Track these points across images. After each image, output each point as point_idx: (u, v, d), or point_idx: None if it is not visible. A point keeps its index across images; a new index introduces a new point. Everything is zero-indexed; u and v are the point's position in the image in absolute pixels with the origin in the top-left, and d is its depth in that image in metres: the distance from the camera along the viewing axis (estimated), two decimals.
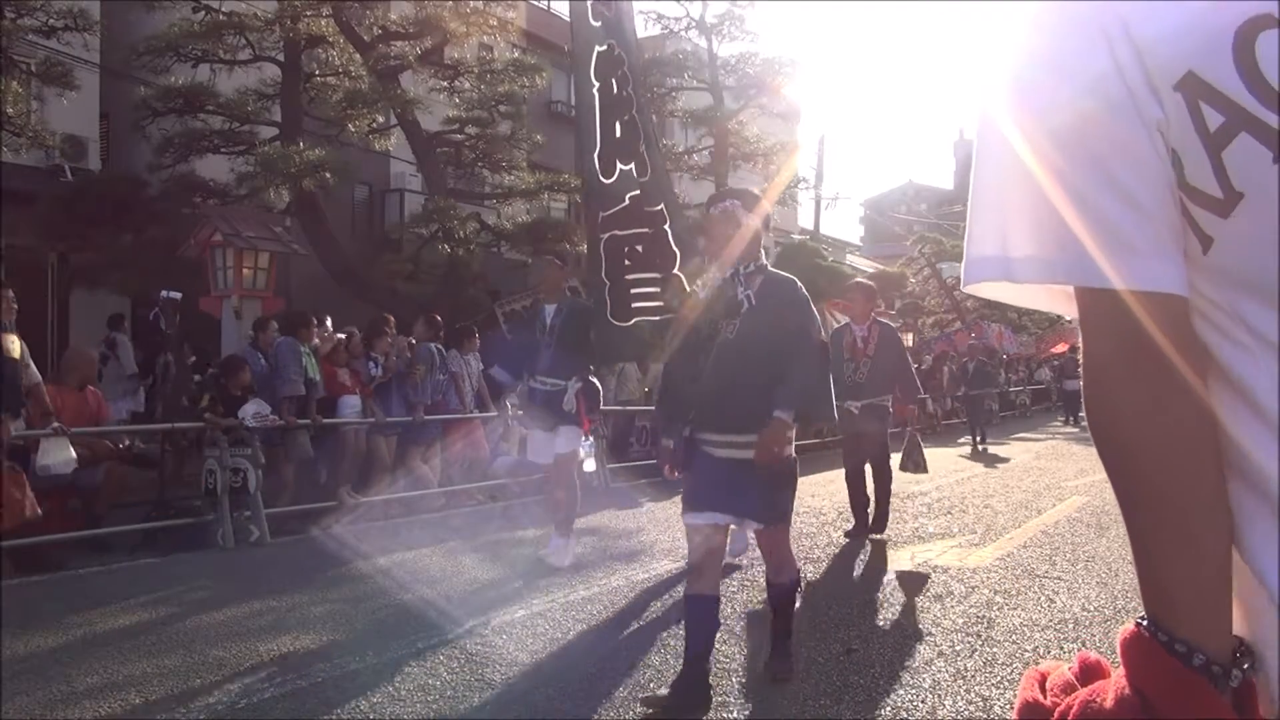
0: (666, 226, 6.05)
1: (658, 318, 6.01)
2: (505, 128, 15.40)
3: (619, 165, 6.11)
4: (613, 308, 6.07)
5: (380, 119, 14.53)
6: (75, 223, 11.88)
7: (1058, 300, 0.84)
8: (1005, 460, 13.62)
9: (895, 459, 7.81)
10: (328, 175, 12.08)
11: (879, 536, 7.12)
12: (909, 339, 26.54)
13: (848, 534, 7.24)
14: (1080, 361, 0.79)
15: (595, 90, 6.25)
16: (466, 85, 15.12)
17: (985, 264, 0.81)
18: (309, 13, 12.70)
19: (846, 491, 7.44)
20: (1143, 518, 0.74)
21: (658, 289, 6.02)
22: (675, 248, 5.97)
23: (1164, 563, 0.73)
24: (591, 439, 6.86)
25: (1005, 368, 26.35)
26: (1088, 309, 0.77)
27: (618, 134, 6.18)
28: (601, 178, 6.10)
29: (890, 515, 8.51)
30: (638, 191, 6.09)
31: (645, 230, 6.06)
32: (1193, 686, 0.69)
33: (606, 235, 6.12)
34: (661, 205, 6.08)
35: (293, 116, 13.31)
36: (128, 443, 7.71)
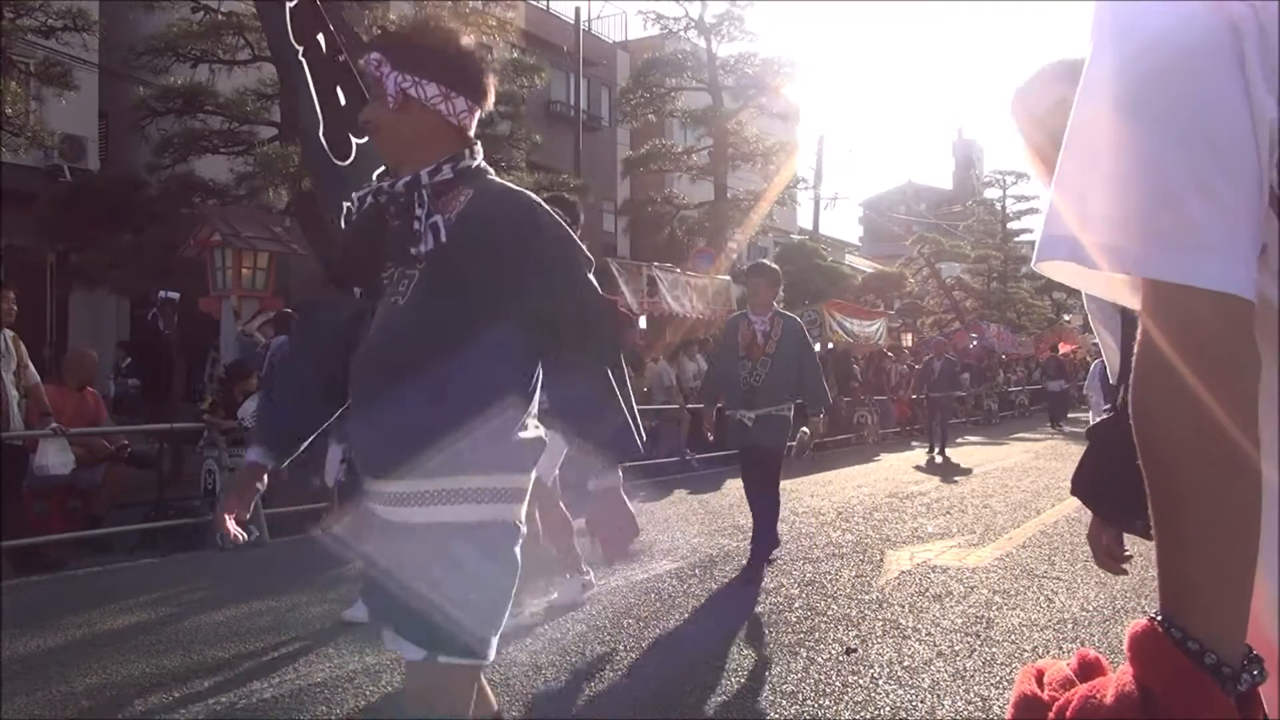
0: None
1: None
2: (504, 128, 15.41)
3: (354, 140, 4.77)
4: None
5: None
6: (75, 223, 11.88)
7: (1121, 290, 0.82)
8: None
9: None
10: None
11: (754, 566, 5.83)
12: (908, 339, 26.65)
13: (742, 575, 5.86)
14: (1135, 352, 0.77)
15: (301, 57, 4.92)
16: None
17: (1058, 243, 0.79)
18: None
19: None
20: (1175, 513, 0.73)
21: None
22: None
23: (1190, 560, 0.72)
24: None
25: (1004, 368, 26.39)
26: (1152, 302, 0.75)
27: (342, 103, 4.85)
28: (337, 161, 4.80)
29: (890, 516, 8.54)
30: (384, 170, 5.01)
31: None
32: (1201, 686, 0.69)
33: None
34: None
35: (292, 116, 13.31)
36: (126, 443, 7.71)
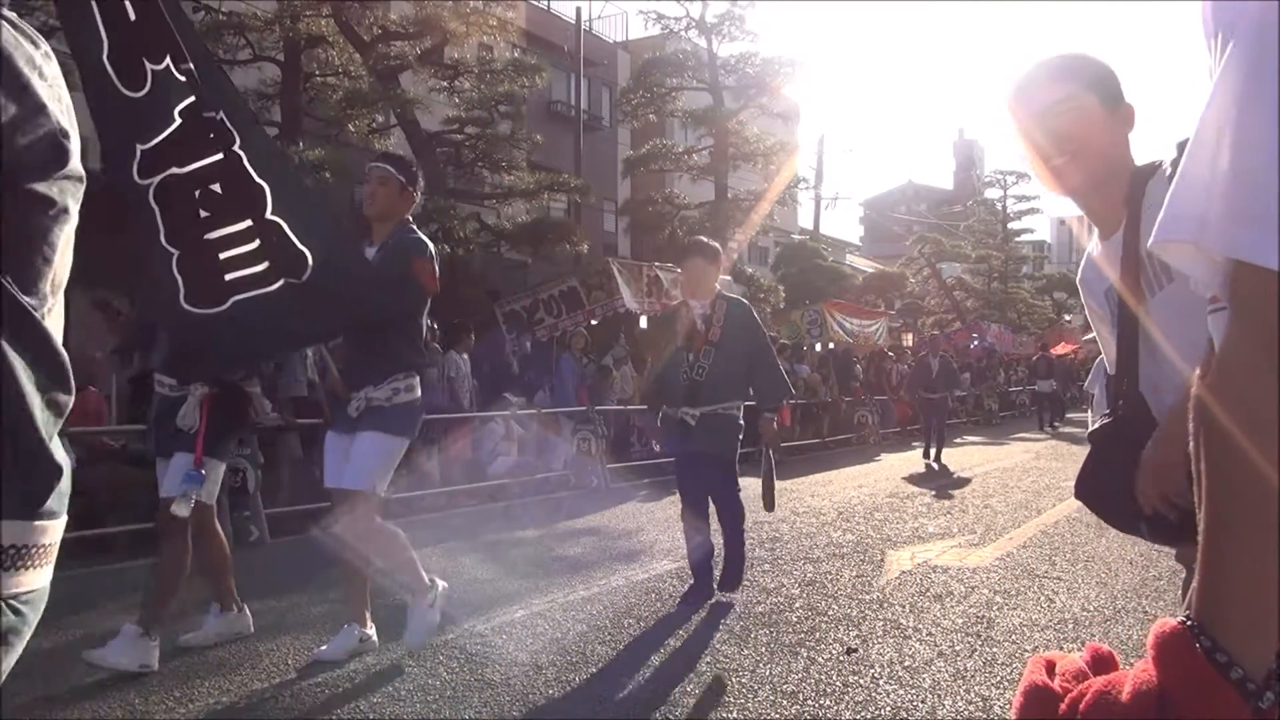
0: (238, 147, 3.81)
1: (270, 288, 3.79)
2: (505, 128, 15.42)
3: (148, 65, 3.74)
4: (188, 289, 3.82)
5: (380, 119, 14.54)
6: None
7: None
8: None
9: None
10: (327, 175, 12.10)
11: (728, 597, 5.22)
12: (908, 339, 26.66)
13: (684, 599, 5.16)
14: (1216, 345, 0.73)
15: None
16: (466, 85, 15.15)
17: (1180, 223, 0.74)
18: (309, 13, 12.71)
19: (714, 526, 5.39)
20: (1226, 517, 0.71)
21: (257, 243, 3.81)
22: (260, 178, 3.80)
23: (1234, 570, 0.70)
24: (200, 480, 4.16)
25: (1004, 368, 26.38)
26: (1233, 287, 0.71)
27: (131, 17, 3.80)
28: (125, 91, 3.76)
29: (890, 516, 8.54)
30: (192, 99, 3.75)
31: (217, 157, 3.80)
32: (1224, 699, 0.68)
33: (157, 180, 3.83)
34: (220, 113, 3.81)
35: (293, 116, 13.32)
36: (125, 442, 7.70)
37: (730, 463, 5.23)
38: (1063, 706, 0.74)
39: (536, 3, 22.63)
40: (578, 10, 20.24)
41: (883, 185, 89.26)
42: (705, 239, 5.64)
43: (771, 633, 4.61)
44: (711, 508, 5.31)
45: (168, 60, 3.76)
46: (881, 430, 17.46)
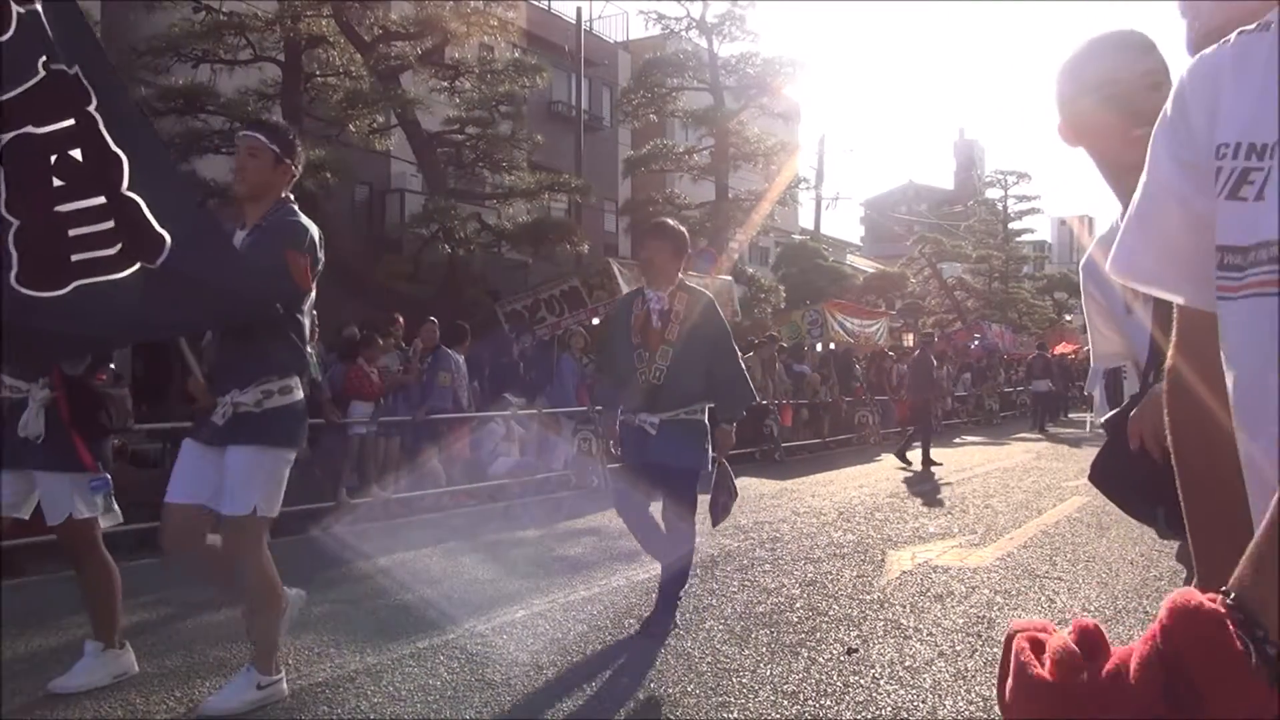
0: (94, 109, 3.28)
1: (120, 274, 3.36)
2: (505, 128, 15.42)
3: (14, 5, 3.20)
4: (23, 267, 3.30)
5: (380, 119, 14.55)
6: None
7: None
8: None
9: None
10: (328, 175, 12.10)
11: (658, 618, 4.57)
12: (909, 339, 26.62)
13: (644, 630, 4.55)
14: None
15: None
16: (467, 85, 15.16)
17: None
18: (309, 13, 12.72)
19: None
20: None
21: (110, 223, 3.34)
22: (117, 147, 3.30)
23: None
24: (106, 482, 4.02)
25: (1005, 367, 26.37)
26: None
27: None
28: None
29: (891, 516, 8.54)
30: (46, 58, 3.22)
31: (73, 121, 3.26)
32: (1254, 675, 0.67)
33: (7, 138, 3.24)
34: (75, 68, 3.26)
35: (293, 116, 13.31)
36: (124, 442, 7.70)
37: (693, 478, 4.52)
38: (1063, 700, 0.73)
39: (537, 3, 22.64)
40: (578, 10, 20.25)
41: (883, 185, 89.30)
42: (671, 221, 4.91)
43: (772, 633, 4.60)
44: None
45: (37, 1, 3.20)
46: (882, 430, 17.45)
